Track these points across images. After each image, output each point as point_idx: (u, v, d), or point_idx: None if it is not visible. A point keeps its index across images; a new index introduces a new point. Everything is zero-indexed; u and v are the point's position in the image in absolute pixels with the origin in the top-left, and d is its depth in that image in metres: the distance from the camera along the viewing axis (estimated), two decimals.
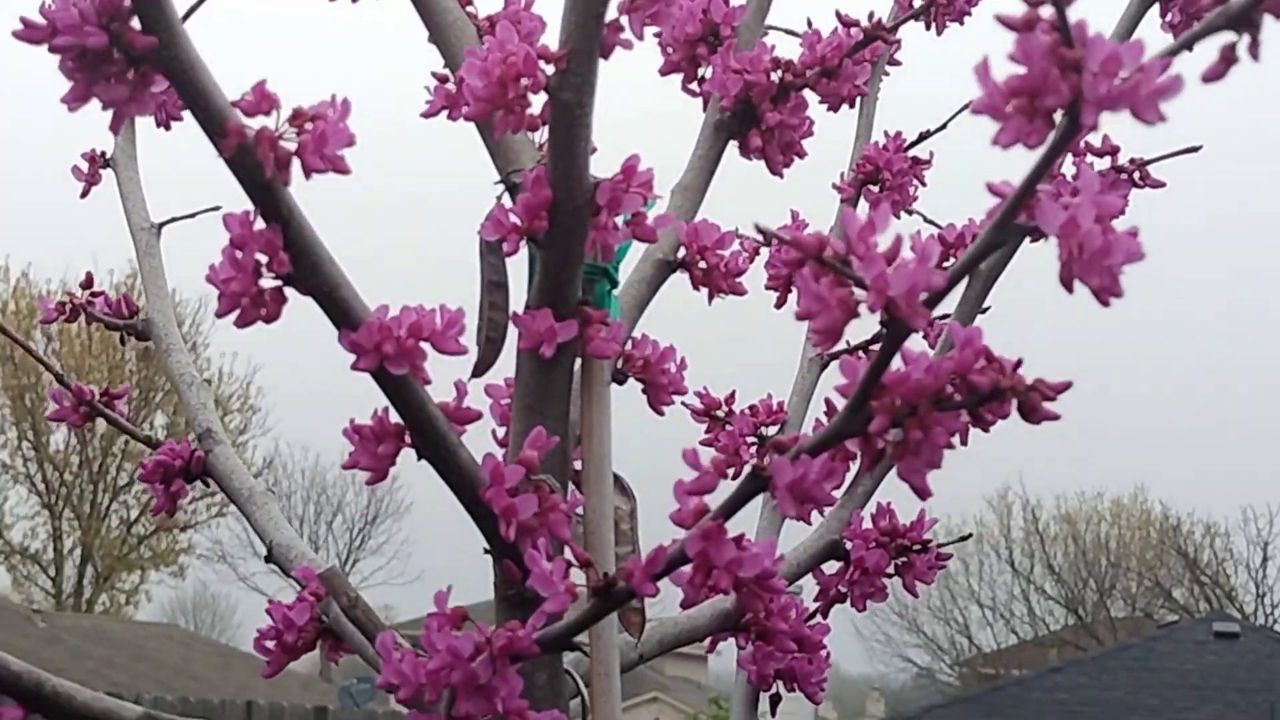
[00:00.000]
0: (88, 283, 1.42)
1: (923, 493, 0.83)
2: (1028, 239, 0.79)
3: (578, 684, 1.03)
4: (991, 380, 0.80)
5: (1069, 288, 0.77)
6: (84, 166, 1.48)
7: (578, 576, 0.90)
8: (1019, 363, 0.81)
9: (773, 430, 1.44)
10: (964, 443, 0.80)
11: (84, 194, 1.47)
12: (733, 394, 1.45)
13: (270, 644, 1.08)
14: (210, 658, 22.83)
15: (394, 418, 0.95)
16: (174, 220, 1.48)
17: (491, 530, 0.96)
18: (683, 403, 1.47)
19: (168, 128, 1.39)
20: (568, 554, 0.90)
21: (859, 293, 0.77)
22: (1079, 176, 1.14)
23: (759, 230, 0.77)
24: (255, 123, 0.87)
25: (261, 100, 0.87)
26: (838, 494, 0.85)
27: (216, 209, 1.49)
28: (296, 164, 0.87)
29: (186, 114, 1.13)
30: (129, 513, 28.02)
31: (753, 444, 1.43)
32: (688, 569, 0.85)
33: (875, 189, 1.51)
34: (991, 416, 0.82)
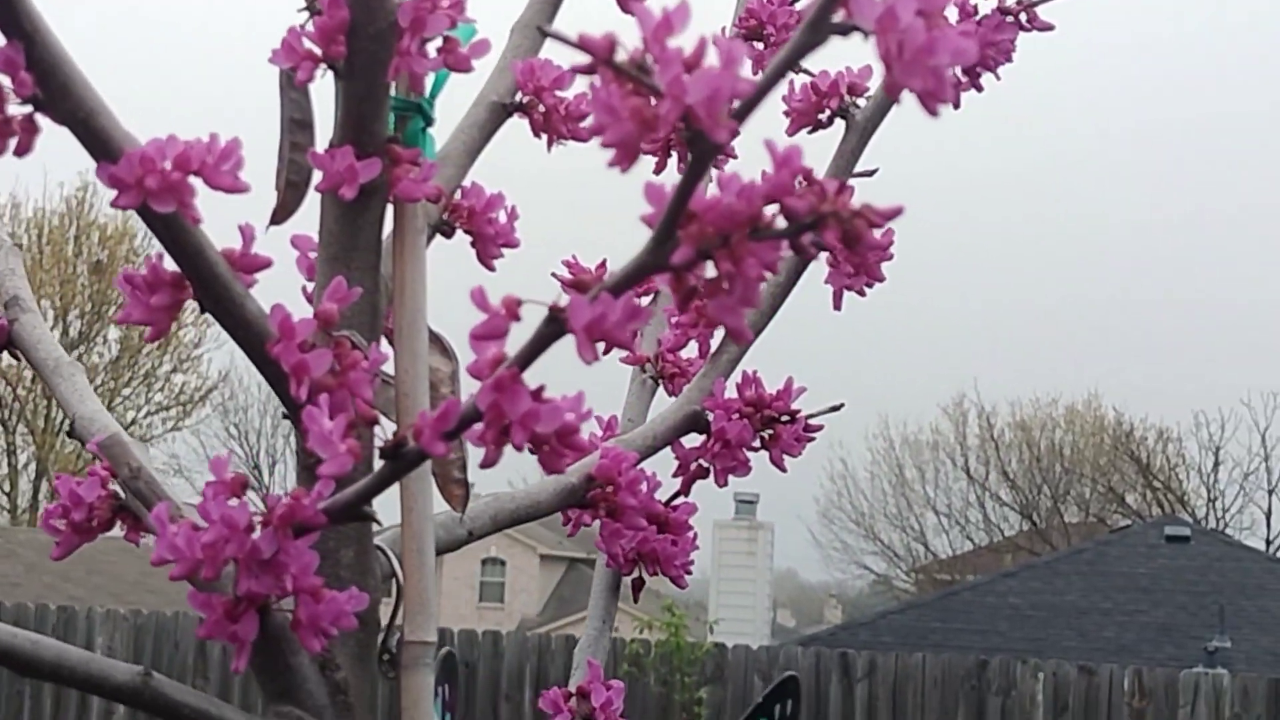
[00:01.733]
0: None
1: (738, 334, 0.73)
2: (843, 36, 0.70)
3: (392, 563, 0.94)
4: (811, 205, 0.71)
5: (895, 94, 0.68)
6: None
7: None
8: (844, 186, 0.72)
9: (646, 300, 1.34)
10: (784, 274, 0.71)
11: None
12: (604, 263, 1.36)
13: (59, 523, 0.99)
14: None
15: (171, 265, 0.85)
16: None
17: (286, 391, 0.86)
18: (552, 274, 1.37)
19: None
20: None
21: (657, 103, 0.68)
22: None
23: (541, 31, 0.67)
24: None
25: None
26: (635, 333, 0.76)
27: None
28: None
29: None
30: None
31: None
32: (481, 427, 0.76)
33: (760, 45, 1.41)
34: (814, 247, 0.73)
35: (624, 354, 1.31)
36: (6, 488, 27.67)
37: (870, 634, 15.87)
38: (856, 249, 0.72)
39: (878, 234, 1.10)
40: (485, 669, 7.89)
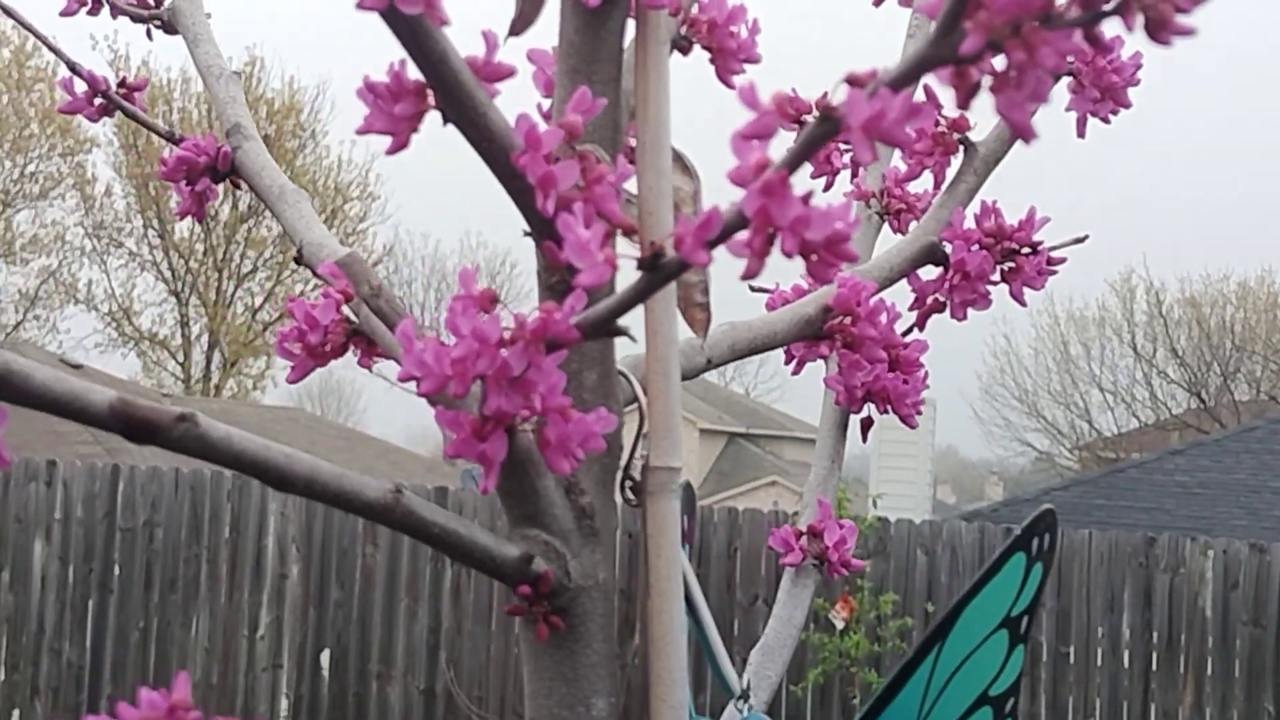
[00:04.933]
0: None
1: (1025, 132, 0.69)
2: None
3: (634, 387, 0.91)
4: None
5: None
6: None
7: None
8: None
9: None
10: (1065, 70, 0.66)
11: None
12: (825, 96, 1.30)
13: (294, 347, 0.97)
14: (335, 441, 23.25)
15: (414, 74, 0.82)
16: None
17: (529, 206, 0.83)
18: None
19: None
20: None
21: None
22: None
23: None
24: None
25: None
26: (913, 132, 0.71)
27: None
28: None
29: None
30: (253, 299, 28.45)
31: (846, 151, 1.29)
32: (745, 235, 0.72)
33: None
34: (1109, 36, 0.67)
35: (849, 189, 1.27)
36: (180, 358, 28.40)
37: (1033, 510, 15.69)
38: (1160, 37, 0.67)
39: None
40: None
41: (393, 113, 0.83)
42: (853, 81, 0.70)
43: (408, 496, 0.80)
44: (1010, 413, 31.97)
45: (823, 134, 0.70)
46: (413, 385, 0.82)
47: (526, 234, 0.88)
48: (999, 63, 0.68)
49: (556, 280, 0.87)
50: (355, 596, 7.94)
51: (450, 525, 0.82)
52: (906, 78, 0.69)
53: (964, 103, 0.70)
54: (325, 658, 8.04)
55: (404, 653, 7.89)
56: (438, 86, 0.82)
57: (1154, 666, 7.62)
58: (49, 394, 0.70)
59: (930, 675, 0.92)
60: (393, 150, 0.84)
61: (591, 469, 0.88)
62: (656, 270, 0.75)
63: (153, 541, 8.06)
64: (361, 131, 0.84)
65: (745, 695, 0.93)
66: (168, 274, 28.21)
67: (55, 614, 8.06)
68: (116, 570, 8.08)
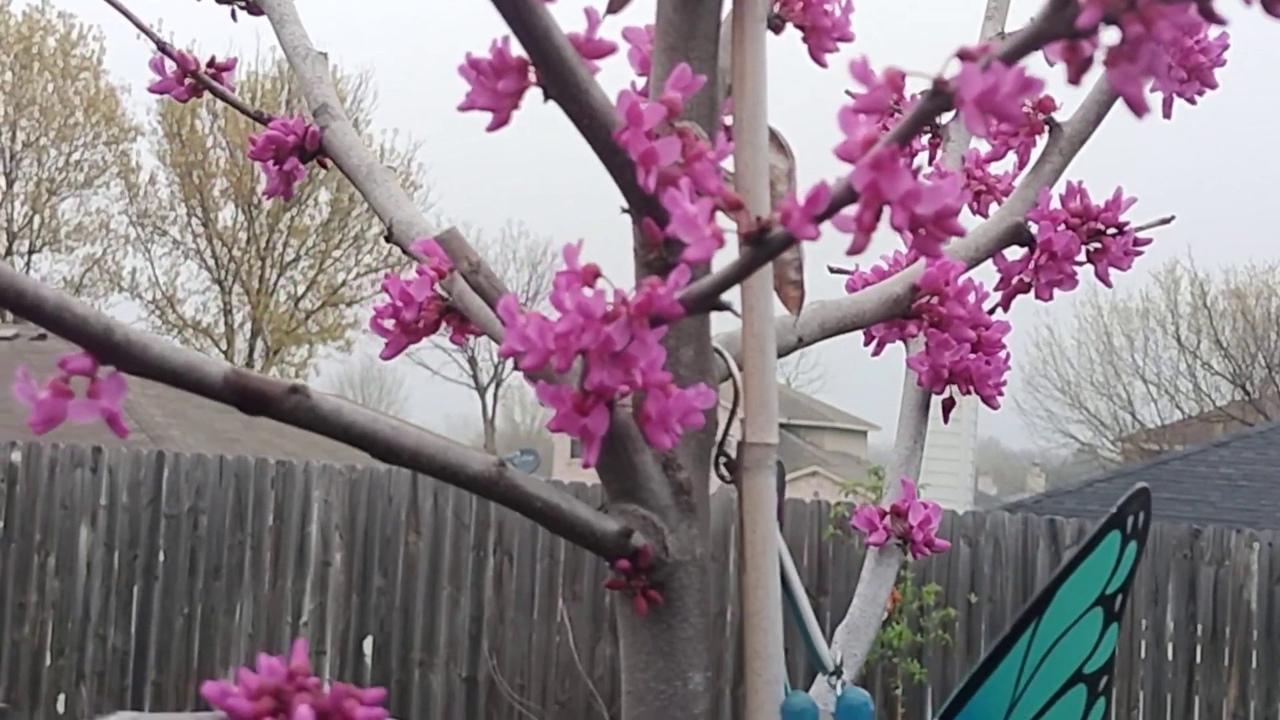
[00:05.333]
0: None
1: (1138, 106, 0.69)
2: None
3: (729, 364, 0.92)
4: None
5: None
6: None
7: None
8: None
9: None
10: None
11: None
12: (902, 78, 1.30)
13: (389, 323, 0.98)
14: None
15: (516, 50, 0.83)
16: None
17: (629, 182, 0.84)
18: (847, 92, 1.32)
19: None
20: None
21: None
22: None
23: None
24: None
25: None
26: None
27: None
28: None
29: None
30: (296, 288, 28.57)
31: (925, 132, 1.28)
32: (854, 209, 0.72)
33: None
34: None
35: (928, 171, 1.26)
36: (224, 345, 28.55)
37: (1076, 502, 15.65)
38: (1277, 10, 0.67)
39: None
40: None
41: (495, 89, 0.83)
42: (965, 55, 0.70)
43: (511, 471, 0.81)
44: (1053, 404, 31.86)
45: (934, 108, 0.70)
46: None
47: (624, 211, 0.88)
48: (1110, 36, 0.68)
49: (654, 257, 0.87)
50: (398, 584, 7.96)
51: (553, 499, 0.82)
52: (1019, 52, 0.69)
53: (1075, 78, 0.70)
54: (368, 645, 8.07)
55: (446, 641, 7.92)
56: (540, 63, 0.82)
57: (1198, 659, 7.57)
58: (166, 365, 0.70)
59: (1026, 652, 0.92)
60: (494, 126, 0.85)
61: (688, 445, 0.88)
62: (762, 245, 0.75)
63: (197, 528, 8.10)
64: (464, 108, 0.84)
65: (838, 671, 0.93)
66: (211, 262, 28.36)
67: (100, 600, 8.11)
68: (161, 557, 8.12)
